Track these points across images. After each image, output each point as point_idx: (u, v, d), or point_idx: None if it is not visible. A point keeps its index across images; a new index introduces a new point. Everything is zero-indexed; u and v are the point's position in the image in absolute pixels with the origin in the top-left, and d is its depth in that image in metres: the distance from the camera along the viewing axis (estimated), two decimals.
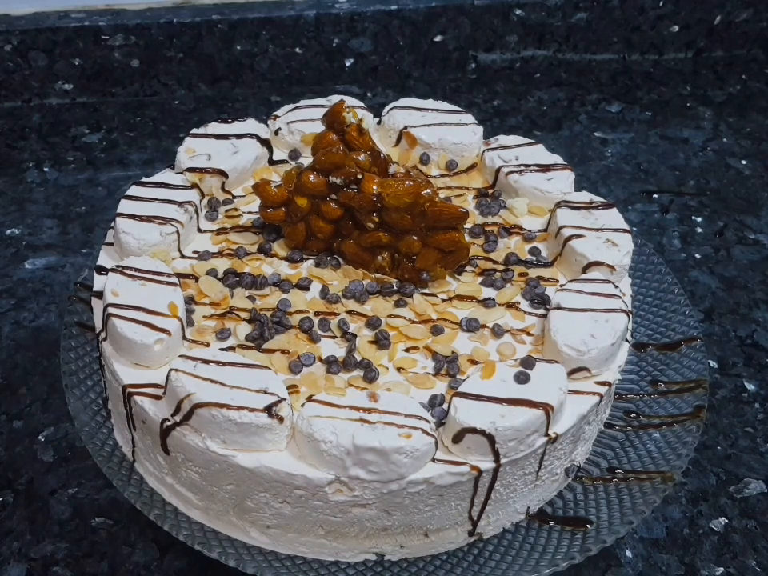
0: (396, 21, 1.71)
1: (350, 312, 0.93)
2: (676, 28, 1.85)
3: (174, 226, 0.97)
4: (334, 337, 0.91)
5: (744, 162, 1.63)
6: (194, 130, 1.11)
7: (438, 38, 1.76)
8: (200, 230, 1.02)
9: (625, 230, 1.00)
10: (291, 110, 1.16)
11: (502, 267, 0.99)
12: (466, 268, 0.98)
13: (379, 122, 1.17)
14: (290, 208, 0.97)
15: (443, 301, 0.95)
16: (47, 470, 1.06)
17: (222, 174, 1.05)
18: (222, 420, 0.78)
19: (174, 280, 0.91)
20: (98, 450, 0.92)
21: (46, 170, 1.54)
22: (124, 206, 0.99)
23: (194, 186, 1.04)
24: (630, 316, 0.93)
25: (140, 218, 0.97)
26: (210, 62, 1.70)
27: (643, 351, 1.05)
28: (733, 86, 1.83)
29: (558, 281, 0.98)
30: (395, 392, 0.84)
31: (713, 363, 1.22)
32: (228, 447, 0.80)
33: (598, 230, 0.99)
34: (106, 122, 1.65)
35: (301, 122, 1.13)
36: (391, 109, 1.16)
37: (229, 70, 1.72)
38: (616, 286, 0.93)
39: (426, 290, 0.96)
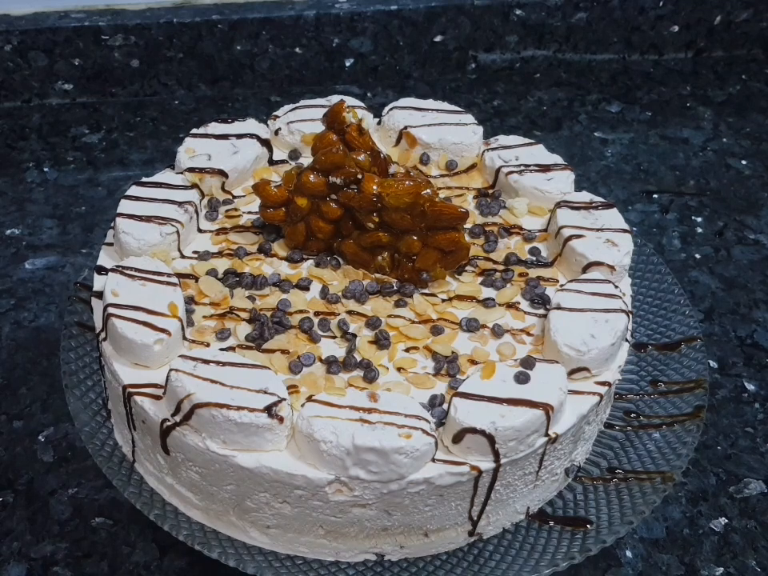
0: (396, 21, 1.71)
1: (350, 312, 0.93)
2: (676, 28, 1.85)
3: (174, 225, 0.97)
4: (334, 337, 0.91)
5: (744, 161, 1.63)
6: (194, 130, 1.10)
7: (438, 38, 1.76)
8: (200, 230, 1.02)
9: (625, 230, 1.00)
10: (291, 110, 1.16)
11: (502, 267, 0.99)
12: (466, 268, 0.98)
13: (379, 122, 1.17)
14: (290, 208, 0.97)
15: (443, 301, 0.95)
16: (47, 470, 1.06)
17: (222, 174, 1.05)
18: (222, 420, 0.78)
19: (174, 280, 0.91)
20: (98, 450, 0.92)
21: (45, 170, 1.54)
22: (124, 205, 0.99)
23: (194, 185, 1.04)
24: (630, 316, 0.93)
25: (140, 217, 0.97)
26: (210, 62, 1.70)
27: (643, 351, 1.05)
28: (733, 86, 1.83)
29: (557, 281, 0.98)
30: (395, 392, 0.84)
31: (713, 363, 1.22)
32: (228, 447, 0.80)
33: (598, 230, 0.99)
34: (105, 122, 1.65)
35: (301, 121, 1.13)
36: (391, 109, 1.16)
37: (229, 70, 1.72)
38: (616, 286, 0.93)
39: (425, 290, 0.96)
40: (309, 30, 1.69)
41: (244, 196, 1.07)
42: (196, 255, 0.99)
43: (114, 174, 1.53)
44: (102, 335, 0.89)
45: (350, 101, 1.14)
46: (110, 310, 0.87)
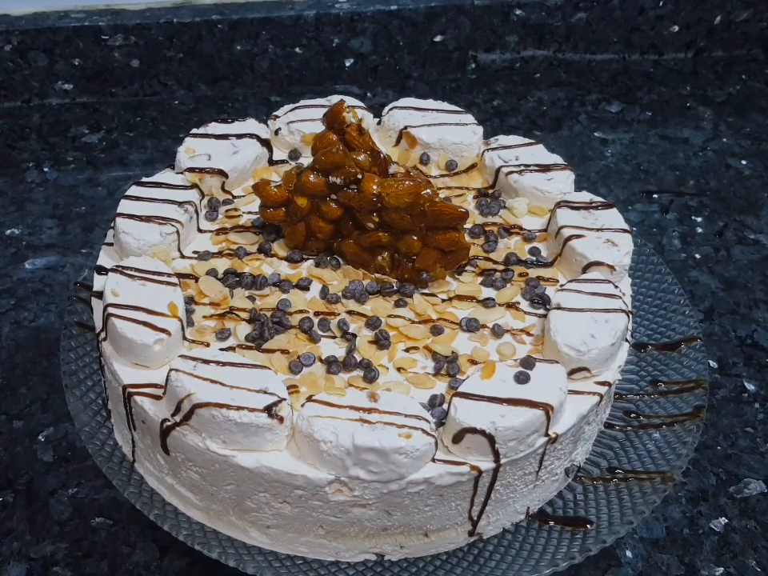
0: (396, 21, 1.71)
1: (350, 312, 0.93)
2: (676, 28, 1.85)
3: (174, 225, 0.97)
4: (334, 337, 0.91)
5: (744, 161, 1.63)
6: (194, 130, 1.10)
7: (438, 38, 1.76)
8: (200, 230, 1.02)
9: (625, 230, 1.00)
10: (291, 110, 1.16)
11: (501, 267, 0.99)
12: (466, 268, 0.98)
13: (379, 122, 1.17)
14: (290, 208, 0.97)
15: (443, 301, 0.95)
16: (47, 470, 1.06)
17: (222, 174, 1.05)
18: (222, 420, 0.78)
19: (174, 280, 0.91)
20: (98, 450, 0.92)
21: (45, 170, 1.54)
22: (124, 205, 0.99)
23: (194, 185, 1.04)
24: (630, 316, 0.93)
25: (140, 218, 0.97)
26: (210, 62, 1.70)
27: (643, 351, 1.05)
28: (733, 86, 1.83)
29: (557, 281, 0.98)
30: (395, 392, 0.84)
31: (713, 363, 1.22)
32: (228, 447, 0.80)
33: (598, 230, 0.99)
34: (105, 122, 1.65)
35: (301, 121, 1.13)
36: (391, 109, 1.16)
37: (229, 70, 1.72)
38: (616, 286, 0.93)
39: (426, 290, 0.96)
40: (309, 30, 1.69)
41: (244, 196, 1.07)
42: (196, 255, 0.99)
43: (114, 173, 1.53)
44: (102, 335, 0.89)
45: (350, 101, 1.14)
46: (110, 309, 0.87)
